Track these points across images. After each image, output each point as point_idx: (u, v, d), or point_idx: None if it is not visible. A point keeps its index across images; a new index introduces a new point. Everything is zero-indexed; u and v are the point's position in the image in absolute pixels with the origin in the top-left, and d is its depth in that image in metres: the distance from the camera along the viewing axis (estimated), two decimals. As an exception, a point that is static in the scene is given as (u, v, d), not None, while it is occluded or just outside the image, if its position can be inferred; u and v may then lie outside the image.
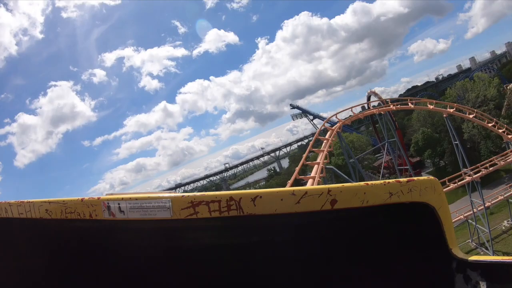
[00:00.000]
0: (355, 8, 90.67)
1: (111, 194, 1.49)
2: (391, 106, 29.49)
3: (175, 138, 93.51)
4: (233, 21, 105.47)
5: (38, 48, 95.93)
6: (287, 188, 1.35)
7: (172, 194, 1.42)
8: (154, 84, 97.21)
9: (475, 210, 28.32)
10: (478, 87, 44.66)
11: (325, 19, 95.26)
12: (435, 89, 72.45)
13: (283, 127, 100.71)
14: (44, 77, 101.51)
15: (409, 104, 30.21)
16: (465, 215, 29.09)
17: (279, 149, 76.70)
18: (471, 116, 28.28)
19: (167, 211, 1.39)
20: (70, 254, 1.62)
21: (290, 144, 77.40)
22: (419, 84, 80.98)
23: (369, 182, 1.33)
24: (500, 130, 28.38)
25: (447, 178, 27.41)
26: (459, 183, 27.37)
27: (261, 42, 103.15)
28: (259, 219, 1.34)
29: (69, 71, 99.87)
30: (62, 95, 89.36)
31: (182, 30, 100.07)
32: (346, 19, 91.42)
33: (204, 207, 1.36)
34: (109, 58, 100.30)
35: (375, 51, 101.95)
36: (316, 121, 67.27)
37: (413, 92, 73.69)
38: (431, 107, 29.52)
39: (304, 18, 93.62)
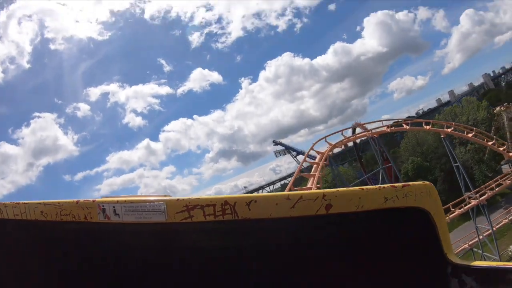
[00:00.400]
0: (335, 48, 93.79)
1: (106, 197, 1.51)
2: (386, 128, 27.58)
3: (157, 177, 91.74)
4: (217, 60, 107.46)
5: (24, 77, 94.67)
6: (282, 192, 1.39)
7: (167, 198, 1.43)
8: (138, 121, 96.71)
9: (480, 236, 25.91)
10: (467, 111, 43.76)
11: (307, 60, 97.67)
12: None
13: (266, 166, 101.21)
14: (28, 108, 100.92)
15: (404, 125, 28.47)
16: (469, 243, 26.68)
17: (262, 188, 74.26)
18: (470, 135, 26.57)
19: (161, 215, 1.41)
20: (65, 256, 1.62)
21: (273, 182, 75.09)
22: (400, 120, 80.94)
23: (364, 187, 1.34)
24: (501, 148, 26.60)
25: (451, 203, 25.52)
26: (465, 207, 25.39)
27: (245, 82, 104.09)
28: (254, 223, 1.36)
29: (53, 103, 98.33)
30: (45, 127, 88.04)
31: (167, 68, 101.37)
32: (327, 59, 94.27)
33: (199, 211, 1.37)
34: (94, 92, 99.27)
35: (355, 90, 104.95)
36: (300, 157, 65.23)
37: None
38: (428, 127, 27.94)
39: (286, 58, 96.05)
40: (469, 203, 26.20)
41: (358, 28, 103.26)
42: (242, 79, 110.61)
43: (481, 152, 39.83)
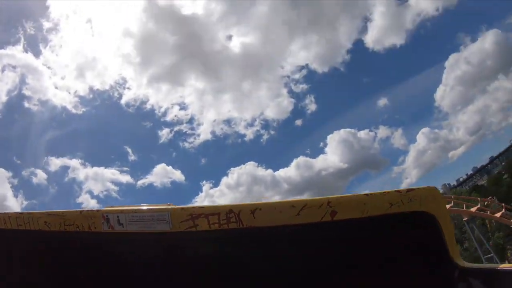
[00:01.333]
0: (298, 162, 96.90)
1: (111, 206, 1.55)
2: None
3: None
4: (182, 159, 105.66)
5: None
6: (287, 200, 1.43)
7: (171, 207, 1.48)
8: (92, 203, 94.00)
9: None
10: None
11: (269, 171, 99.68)
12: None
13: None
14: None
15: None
16: None
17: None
18: (498, 214, 20.55)
19: (166, 224, 1.43)
20: (69, 266, 1.61)
21: None
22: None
23: (369, 193, 1.40)
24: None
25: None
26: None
27: (206, 185, 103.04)
28: (259, 231, 1.39)
29: (11, 161, 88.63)
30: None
31: (132, 157, 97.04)
32: (290, 172, 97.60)
33: (203, 220, 1.40)
34: (55, 163, 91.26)
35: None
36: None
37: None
38: (448, 206, 21.27)
39: (250, 167, 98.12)
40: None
41: (321, 144, 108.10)
42: (204, 182, 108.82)
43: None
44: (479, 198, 23.62)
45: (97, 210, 1.50)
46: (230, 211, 1.37)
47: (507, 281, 1.30)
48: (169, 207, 1.46)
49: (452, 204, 22.76)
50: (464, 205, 22.86)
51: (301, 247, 1.43)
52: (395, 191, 1.35)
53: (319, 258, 1.43)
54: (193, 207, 1.42)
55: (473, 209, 21.96)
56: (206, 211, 1.40)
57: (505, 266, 1.34)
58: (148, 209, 1.48)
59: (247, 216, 1.36)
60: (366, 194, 1.37)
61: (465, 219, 22.62)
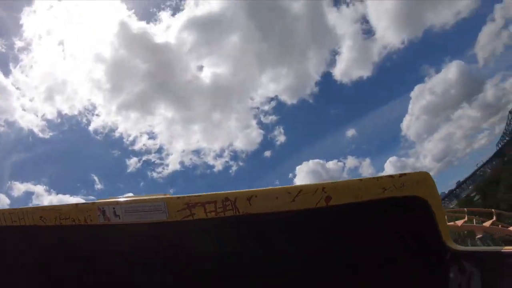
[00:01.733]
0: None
1: (105, 199, 1.54)
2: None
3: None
4: (150, 189, 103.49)
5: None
6: (282, 186, 1.44)
7: (167, 196, 1.48)
8: None
9: None
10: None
11: None
12: None
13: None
14: None
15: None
16: None
17: None
18: (513, 229, 17.41)
19: (162, 214, 1.43)
20: (65, 260, 1.59)
21: None
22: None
23: (362, 178, 1.40)
24: None
25: None
26: None
27: None
28: (255, 218, 1.39)
29: None
30: (-47, 202, 71.82)
31: (98, 186, 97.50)
32: None
33: (200, 208, 1.40)
34: (19, 188, 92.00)
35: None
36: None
37: None
38: (460, 223, 17.95)
39: None
40: None
41: (290, 175, 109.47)
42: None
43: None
44: (493, 210, 20.65)
45: (93, 203, 1.50)
46: (226, 199, 1.38)
47: (499, 262, 1.30)
48: (165, 196, 1.46)
49: (466, 219, 19.63)
50: (474, 220, 19.84)
51: (297, 233, 1.44)
52: (388, 176, 1.36)
53: (314, 243, 1.44)
54: (189, 196, 1.42)
55: (487, 224, 18.87)
56: (202, 199, 1.40)
57: (497, 248, 1.34)
58: (144, 199, 1.48)
59: (243, 203, 1.37)
60: (360, 179, 1.37)
61: (478, 236, 19.54)
